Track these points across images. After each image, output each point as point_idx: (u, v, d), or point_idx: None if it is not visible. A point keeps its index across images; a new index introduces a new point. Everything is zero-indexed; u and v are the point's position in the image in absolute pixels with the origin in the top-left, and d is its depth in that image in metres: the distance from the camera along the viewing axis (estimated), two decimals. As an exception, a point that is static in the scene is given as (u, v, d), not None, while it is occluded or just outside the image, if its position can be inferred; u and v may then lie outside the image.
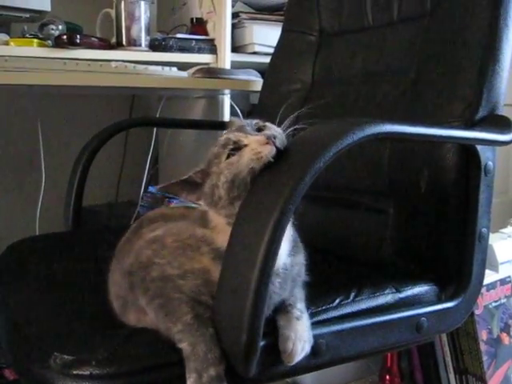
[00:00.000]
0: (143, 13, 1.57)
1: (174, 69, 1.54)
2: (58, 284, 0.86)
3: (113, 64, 1.41)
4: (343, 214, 1.06)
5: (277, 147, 0.64)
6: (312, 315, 0.72)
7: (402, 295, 0.84)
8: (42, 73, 1.31)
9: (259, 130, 0.69)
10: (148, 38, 1.60)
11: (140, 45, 1.57)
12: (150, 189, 1.70)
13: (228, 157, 0.66)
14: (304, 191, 0.60)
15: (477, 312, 1.23)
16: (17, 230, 1.26)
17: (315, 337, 0.68)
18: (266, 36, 1.67)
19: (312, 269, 0.74)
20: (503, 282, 1.30)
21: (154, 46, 1.61)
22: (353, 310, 0.78)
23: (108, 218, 1.82)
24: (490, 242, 1.01)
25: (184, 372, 0.60)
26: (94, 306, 0.73)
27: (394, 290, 0.84)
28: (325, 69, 1.21)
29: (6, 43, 1.41)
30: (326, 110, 1.11)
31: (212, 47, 1.66)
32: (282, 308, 0.68)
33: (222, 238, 0.67)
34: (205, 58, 1.65)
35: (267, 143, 0.64)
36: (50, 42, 1.46)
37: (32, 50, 1.42)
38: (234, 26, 1.69)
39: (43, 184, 1.66)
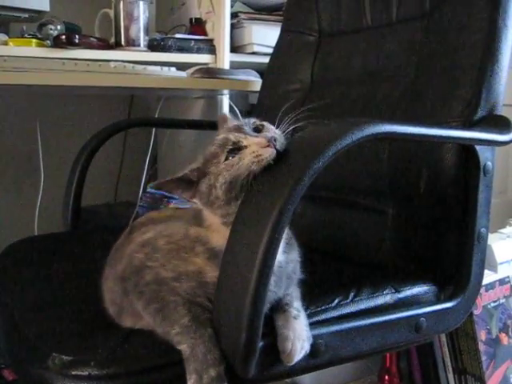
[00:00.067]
0: (142, 13, 1.57)
1: (173, 69, 1.54)
2: (57, 284, 0.86)
3: (112, 64, 1.41)
4: (342, 214, 1.06)
5: (277, 150, 0.63)
6: (311, 315, 0.72)
7: (401, 295, 0.84)
8: (40, 73, 1.31)
9: (257, 129, 0.68)
10: (147, 38, 1.59)
11: (139, 45, 1.57)
12: (149, 189, 1.70)
13: (227, 158, 0.65)
14: (303, 191, 0.60)
15: (476, 312, 1.23)
16: (16, 230, 1.26)
17: (314, 337, 0.68)
18: (264, 36, 1.66)
19: (311, 269, 0.75)
20: (502, 282, 1.30)
21: (153, 46, 1.60)
22: (352, 311, 0.78)
23: (107, 218, 1.82)
24: (489, 242, 1.01)
25: (183, 372, 0.60)
26: (93, 307, 0.73)
27: (393, 290, 0.84)
28: (324, 69, 1.21)
29: (5, 43, 1.41)
30: (325, 110, 1.11)
31: (211, 47, 1.66)
32: (279, 308, 0.68)
33: (216, 238, 0.67)
34: (204, 58, 1.65)
35: (268, 146, 0.63)
36: (48, 42, 1.46)
37: (31, 50, 1.42)
38: (232, 26, 1.69)
39: (42, 184, 1.66)
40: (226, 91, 1.64)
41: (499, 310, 1.29)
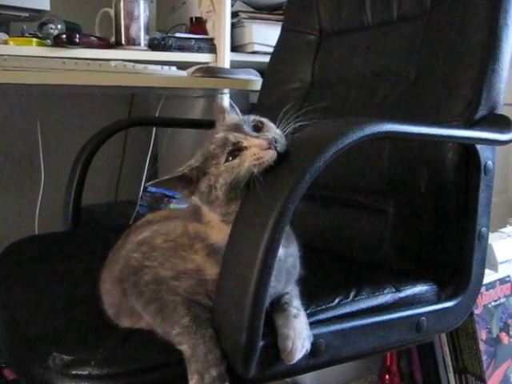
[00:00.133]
0: (142, 12, 1.56)
1: (174, 68, 1.54)
2: (58, 284, 0.86)
3: (112, 63, 1.41)
4: (343, 213, 1.06)
5: (278, 152, 0.63)
6: (311, 315, 0.72)
7: (402, 295, 0.84)
8: (41, 72, 1.31)
9: (256, 127, 0.67)
10: (147, 37, 1.59)
11: (139, 44, 1.57)
12: (150, 188, 1.70)
13: (227, 159, 0.64)
14: (304, 191, 0.60)
15: (476, 311, 1.23)
16: (16, 230, 1.27)
17: (315, 336, 0.68)
18: (265, 35, 1.66)
19: (311, 268, 0.74)
20: (502, 281, 1.30)
21: (154, 46, 1.60)
22: (352, 310, 0.78)
23: (107, 218, 1.82)
24: (490, 241, 1.01)
25: (183, 372, 0.60)
26: (94, 306, 0.73)
27: (393, 290, 0.84)
28: (324, 68, 1.21)
29: (5, 42, 1.41)
30: (325, 109, 1.11)
31: (211, 46, 1.66)
32: (279, 307, 0.68)
33: (216, 234, 0.67)
34: (204, 58, 1.65)
35: (269, 148, 0.63)
36: (49, 41, 1.46)
37: (31, 49, 1.42)
38: (233, 26, 1.69)
39: (42, 183, 1.66)
40: (226, 90, 1.64)
41: (500, 310, 1.29)
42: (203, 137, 0.70)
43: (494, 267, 1.29)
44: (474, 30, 0.91)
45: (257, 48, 1.68)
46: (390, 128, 0.71)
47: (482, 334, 1.24)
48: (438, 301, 0.88)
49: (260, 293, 0.59)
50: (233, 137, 0.65)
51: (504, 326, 1.30)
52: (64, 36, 1.44)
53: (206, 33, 1.70)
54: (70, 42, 1.44)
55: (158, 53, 1.59)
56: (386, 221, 0.96)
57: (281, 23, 1.35)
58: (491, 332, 1.26)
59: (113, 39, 1.58)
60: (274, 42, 1.34)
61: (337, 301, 0.77)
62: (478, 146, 0.86)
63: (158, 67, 1.50)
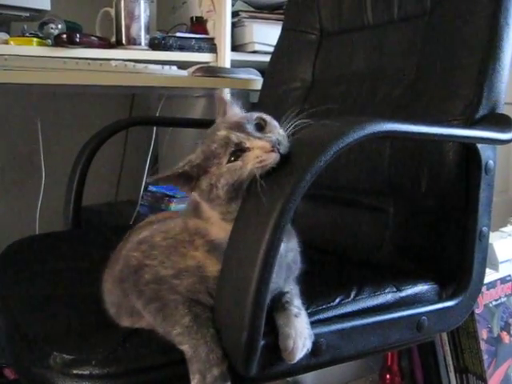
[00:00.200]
0: (143, 11, 1.57)
1: (174, 68, 1.54)
2: (58, 283, 0.86)
3: (112, 63, 1.41)
4: (343, 213, 1.06)
5: (281, 154, 0.62)
6: (312, 314, 0.72)
7: (403, 294, 0.84)
8: (41, 72, 1.31)
9: (259, 125, 0.66)
10: (148, 36, 1.59)
11: (140, 44, 1.57)
12: (150, 188, 1.70)
13: (229, 159, 0.64)
14: (304, 190, 0.60)
15: (477, 311, 1.23)
16: (17, 230, 1.27)
17: (315, 336, 0.68)
18: (266, 35, 1.66)
19: (312, 268, 0.74)
20: (503, 280, 1.30)
21: (154, 45, 1.60)
22: (353, 309, 0.78)
23: (108, 217, 1.82)
24: (491, 240, 1.01)
25: (184, 371, 0.60)
26: (94, 306, 0.73)
27: (394, 289, 0.84)
28: (325, 67, 1.21)
29: (6, 42, 1.41)
30: (326, 108, 1.11)
31: (212, 46, 1.66)
32: (280, 306, 0.68)
33: (216, 230, 0.66)
34: (205, 57, 1.65)
35: (272, 151, 0.62)
36: (49, 40, 1.46)
37: (32, 48, 1.42)
38: (233, 25, 1.69)
39: (43, 183, 1.66)
40: (226, 90, 1.63)
41: (500, 309, 1.29)
42: (204, 134, 0.70)
43: (495, 266, 1.29)
44: (474, 29, 0.91)
45: (257, 47, 1.68)
46: (391, 127, 0.71)
47: (483, 334, 1.24)
48: (439, 300, 0.88)
49: (261, 292, 0.59)
50: (235, 137, 0.64)
51: (505, 326, 1.30)
52: (64, 36, 1.44)
53: (206, 32, 1.70)
54: (71, 42, 1.44)
55: (158, 52, 1.59)
56: (387, 220, 0.96)
57: (281, 23, 1.35)
58: (492, 331, 1.26)
59: (113, 39, 1.58)
60: (274, 41, 1.34)
61: (338, 300, 0.77)
62: (479, 146, 0.86)
63: (159, 67, 1.50)
